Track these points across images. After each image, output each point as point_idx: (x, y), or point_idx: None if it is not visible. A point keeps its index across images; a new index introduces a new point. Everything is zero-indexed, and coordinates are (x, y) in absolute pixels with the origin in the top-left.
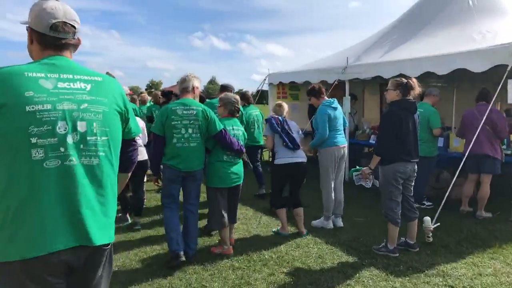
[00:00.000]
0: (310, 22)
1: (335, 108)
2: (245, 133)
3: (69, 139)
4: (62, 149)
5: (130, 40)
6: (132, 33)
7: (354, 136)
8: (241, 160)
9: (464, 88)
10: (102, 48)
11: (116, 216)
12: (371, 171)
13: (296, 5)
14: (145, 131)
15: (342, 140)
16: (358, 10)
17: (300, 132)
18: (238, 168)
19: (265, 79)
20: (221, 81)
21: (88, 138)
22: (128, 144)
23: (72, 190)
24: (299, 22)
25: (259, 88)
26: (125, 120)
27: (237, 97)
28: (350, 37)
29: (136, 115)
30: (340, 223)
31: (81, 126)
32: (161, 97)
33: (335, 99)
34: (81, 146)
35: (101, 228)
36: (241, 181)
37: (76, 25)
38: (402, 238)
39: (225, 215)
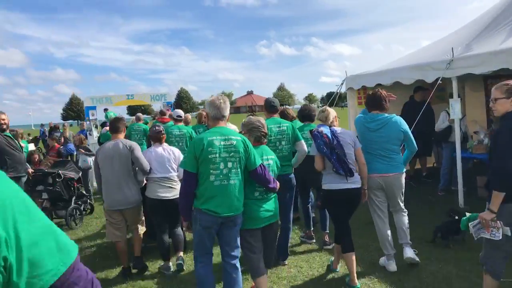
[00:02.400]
0: (377, 18)
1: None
2: (278, 161)
3: None
4: None
5: (200, 54)
6: (201, 48)
7: (465, 149)
8: (275, 195)
9: None
10: (175, 64)
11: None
12: (495, 215)
13: (360, 2)
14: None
15: (383, 167)
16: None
17: (357, 143)
18: (272, 204)
19: (342, 83)
20: (289, 87)
21: None
22: None
23: None
24: (365, 19)
25: (338, 91)
26: None
27: (262, 120)
28: (425, 28)
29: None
30: (410, 254)
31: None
32: (205, 117)
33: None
34: None
35: None
36: (277, 219)
37: None
38: None
39: (261, 261)
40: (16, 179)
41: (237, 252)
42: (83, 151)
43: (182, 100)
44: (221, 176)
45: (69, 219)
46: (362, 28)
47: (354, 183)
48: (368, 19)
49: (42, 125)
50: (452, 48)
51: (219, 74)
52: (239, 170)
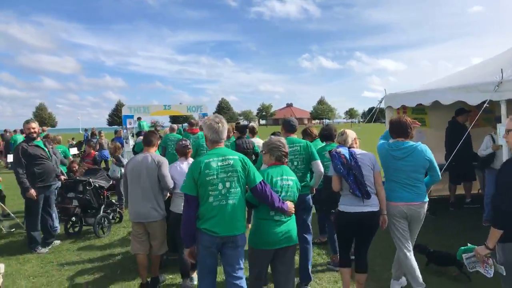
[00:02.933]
0: (424, 33)
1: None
2: (298, 183)
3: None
4: None
5: (242, 66)
6: (244, 59)
7: None
8: (292, 217)
9: None
10: (218, 75)
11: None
12: (490, 251)
13: (407, 18)
14: None
15: (409, 196)
16: (481, 15)
17: (377, 166)
18: (289, 226)
19: (380, 101)
20: (330, 101)
21: None
22: None
23: None
24: (412, 34)
25: (377, 108)
26: None
27: (283, 140)
28: (472, 45)
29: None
30: None
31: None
32: (235, 131)
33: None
34: None
35: None
36: (294, 242)
37: None
38: None
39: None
40: (46, 188)
41: (241, 273)
42: (114, 160)
43: (223, 110)
44: (219, 196)
45: (97, 227)
46: (408, 44)
47: (371, 206)
48: (415, 34)
49: (86, 130)
50: (502, 69)
51: (260, 86)
52: (238, 189)
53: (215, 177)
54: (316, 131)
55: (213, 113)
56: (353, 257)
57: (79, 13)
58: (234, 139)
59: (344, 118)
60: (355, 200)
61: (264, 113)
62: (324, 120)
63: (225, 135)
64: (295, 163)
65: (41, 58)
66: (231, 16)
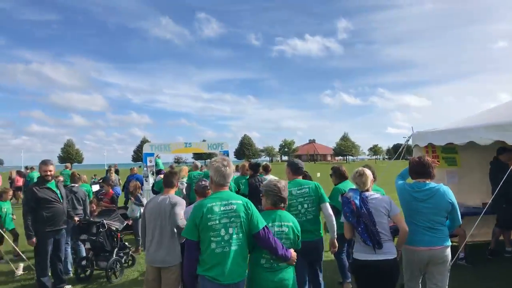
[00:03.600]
0: (448, 68)
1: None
2: (298, 227)
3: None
4: None
5: (265, 103)
6: (267, 96)
7: None
8: (290, 267)
9: None
10: (241, 112)
11: None
12: None
13: (430, 53)
14: None
15: (430, 240)
16: (506, 51)
17: (394, 209)
18: (284, 275)
19: (408, 139)
20: (353, 137)
21: None
22: None
23: None
24: (435, 70)
25: (404, 146)
26: None
27: (282, 183)
28: (499, 80)
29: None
30: None
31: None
32: (248, 170)
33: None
34: None
35: None
36: None
37: None
38: None
39: None
40: (55, 232)
41: None
42: (133, 200)
43: (245, 146)
44: (222, 243)
45: (109, 272)
46: (432, 79)
47: (385, 254)
48: (438, 70)
49: (109, 166)
50: None
51: (282, 122)
52: (241, 235)
53: (217, 222)
54: (346, 172)
55: (235, 150)
56: None
57: (109, 53)
58: (246, 178)
59: (368, 155)
60: (367, 248)
61: (286, 149)
62: (347, 157)
63: (230, 178)
64: (305, 205)
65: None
66: (254, 55)
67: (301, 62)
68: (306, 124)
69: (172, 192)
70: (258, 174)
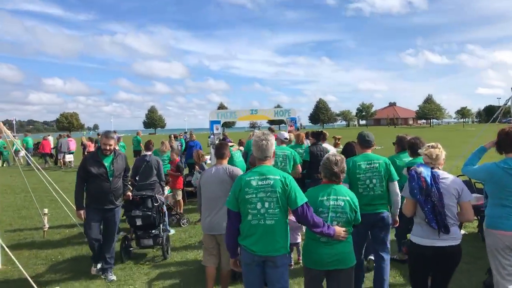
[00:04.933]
0: None
1: None
2: (356, 203)
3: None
4: None
5: (342, 65)
6: (343, 58)
7: None
8: (347, 239)
9: None
10: (315, 75)
11: None
12: None
13: None
14: None
15: None
16: None
17: (467, 195)
18: (340, 249)
19: (508, 101)
20: (438, 99)
21: None
22: None
23: None
24: None
25: (502, 108)
26: None
27: (337, 157)
28: None
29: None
30: None
31: None
32: (311, 138)
33: None
34: None
35: None
36: (346, 266)
37: None
38: None
39: None
40: (103, 211)
41: None
42: (198, 168)
43: (320, 111)
44: (258, 215)
45: (166, 247)
46: None
47: (449, 239)
48: None
49: (185, 133)
50: None
51: (359, 85)
52: (277, 210)
53: (254, 195)
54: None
55: (310, 114)
56: None
57: (186, 21)
58: (308, 146)
59: (455, 118)
60: (430, 232)
61: (364, 113)
62: (431, 121)
63: (270, 153)
64: (374, 181)
65: (153, 65)
66: (330, 15)
67: (380, 20)
68: (386, 86)
69: (225, 162)
70: (319, 142)
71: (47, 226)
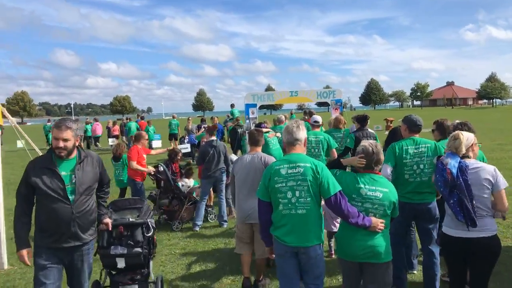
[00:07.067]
0: None
1: None
2: (396, 196)
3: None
4: None
5: (395, 43)
6: (396, 36)
7: None
8: (384, 231)
9: None
10: (366, 54)
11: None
12: None
13: None
14: None
15: None
16: None
17: (501, 183)
18: (375, 242)
19: None
20: (503, 77)
21: None
22: None
23: None
24: None
25: None
26: None
27: (377, 147)
28: None
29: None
30: None
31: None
32: (355, 122)
33: None
34: None
35: None
36: (379, 260)
37: None
38: None
39: None
40: (62, 252)
41: (318, 282)
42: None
43: (371, 91)
44: (289, 205)
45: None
46: None
47: (481, 231)
48: None
49: (228, 116)
50: None
51: (413, 64)
52: (309, 199)
53: (284, 184)
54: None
55: (360, 95)
56: None
57: (233, 3)
58: (348, 130)
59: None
60: (459, 224)
61: (418, 94)
62: (494, 100)
63: (299, 136)
64: (421, 166)
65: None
66: None
67: None
68: (442, 65)
69: (259, 150)
70: (365, 127)
71: None
